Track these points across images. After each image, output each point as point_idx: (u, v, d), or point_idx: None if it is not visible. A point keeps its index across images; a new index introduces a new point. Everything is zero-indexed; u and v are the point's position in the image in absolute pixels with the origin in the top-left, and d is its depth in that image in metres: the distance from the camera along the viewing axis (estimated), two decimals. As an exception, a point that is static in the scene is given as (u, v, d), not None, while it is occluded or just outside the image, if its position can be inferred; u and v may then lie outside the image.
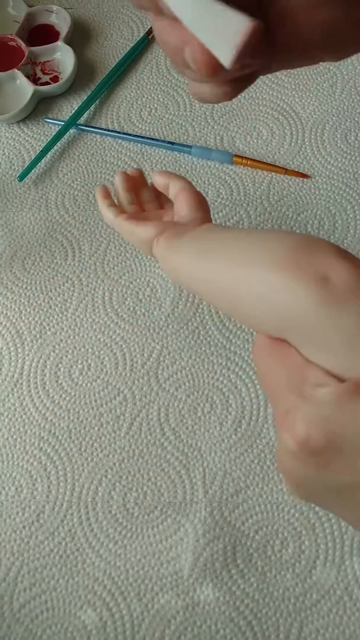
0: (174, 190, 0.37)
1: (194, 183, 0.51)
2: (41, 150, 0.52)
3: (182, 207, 0.36)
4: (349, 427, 0.25)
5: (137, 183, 0.40)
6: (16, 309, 0.47)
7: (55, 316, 0.47)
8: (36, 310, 0.47)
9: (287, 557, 0.39)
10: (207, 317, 0.46)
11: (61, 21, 0.58)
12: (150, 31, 0.58)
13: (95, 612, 0.39)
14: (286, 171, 0.51)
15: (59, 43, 0.56)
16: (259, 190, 0.51)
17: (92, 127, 0.54)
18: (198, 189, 0.37)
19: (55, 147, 0.53)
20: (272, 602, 0.38)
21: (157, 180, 0.39)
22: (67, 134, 0.54)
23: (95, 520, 0.41)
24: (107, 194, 0.40)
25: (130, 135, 0.53)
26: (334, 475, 0.27)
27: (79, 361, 0.45)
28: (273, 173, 0.51)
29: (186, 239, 0.33)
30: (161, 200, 0.40)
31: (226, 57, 0.21)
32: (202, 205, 0.36)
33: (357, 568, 0.39)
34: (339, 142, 0.52)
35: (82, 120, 0.55)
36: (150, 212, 0.39)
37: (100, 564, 0.40)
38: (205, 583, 0.39)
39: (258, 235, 0.28)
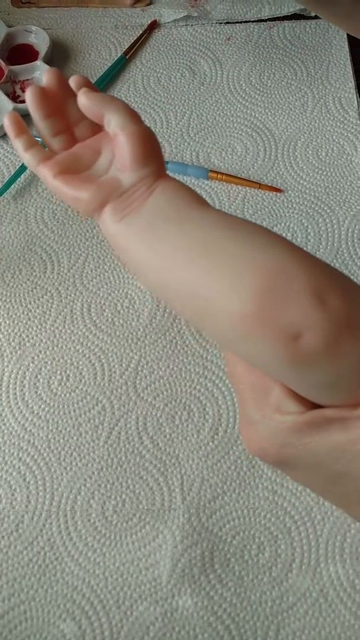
0: (110, 127, 0.28)
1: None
2: (20, 166, 0.53)
3: (124, 157, 0.27)
4: (302, 456, 0.25)
5: (58, 98, 0.29)
6: (-5, 321, 0.48)
7: (35, 328, 0.47)
8: (15, 322, 0.48)
9: (263, 562, 0.40)
10: (184, 327, 0.47)
11: (40, 41, 0.59)
12: (127, 51, 0.60)
13: (75, 621, 0.39)
14: (260, 186, 0.52)
15: (38, 62, 0.58)
16: (234, 204, 0.52)
17: (70, 143, 0.55)
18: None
19: (34, 163, 0.54)
20: (250, 606, 0.39)
21: (84, 105, 0.28)
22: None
23: (74, 529, 0.41)
24: (21, 128, 0.29)
25: (108, 151, 0.54)
26: (293, 478, 0.28)
27: (58, 372, 0.46)
28: (247, 188, 0.53)
29: (138, 224, 0.26)
30: None
31: None
32: (152, 153, 0.28)
33: (332, 571, 0.39)
34: (310, 157, 0.54)
35: (61, 136, 0.56)
36: (84, 148, 0.29)
37: (80, 572, 0.40)
38: (184, 589, 0.39)
39: (227, 243, 0.24)
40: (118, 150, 0.28)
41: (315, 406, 0.26)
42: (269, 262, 0.23)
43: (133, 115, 0.28)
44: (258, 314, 0.22)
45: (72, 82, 0.29)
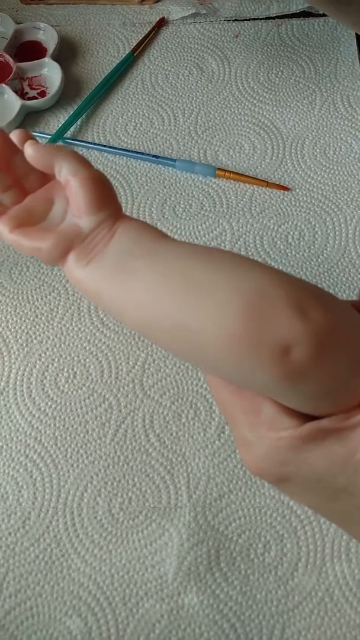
0: (61, 175, 0.28)
1: (178, 196, 0.53)
2: (28, 163, 0.53)
3: (79, 202, 0.27)
4: (301, 473, 0.25)
5: (4, 154, 0.29)
6: (2, 318, 0.48)
7: (42, 325, 0.48)
8: (22, 319, 0.48)
9: (269, 560, 0.40)
10: (191, 325, 0.47)
11: (48, 38, 0.59)
12: (135, 48, 0.59)
13: (81, 617, 0.39)
14: (267, 184, 0.52)
15: (46, 59, 0.58)
16: (241, 202, 0.52)
17: (78, 140, 0.55)
18: (106, 179, 0.28)
19: (42, 160, 0.54)
20: (255, 605, 0.39)
21: (32, 156, 0.28)
22: (54, 147, 0.55)
23: (80, 526, 0.41)
24: None
25: (115, 148, 0.54)
26: (295, 498, 0.28)
27: (65, 369, 0.46)
28: (255, 186, 0.53)
29: (106, 265, 0.26)
30: None
31: None
32: (107, 195, 0.28)
33: (338, 570, 0.40)
34: (318, 156, 0.54)
35: (68, 134, 0.56)
36: (36, 199, 0.29)
37: (86, 569, 0.40)
38: (190, 587, 0.39)
39: (200, 273, 0.24)
40: (72, 197, 0.28)
41: (307, 418, 0.25)
42: (248, 283, 0.23)
43: (83, 161, 0.28)
44: (246, 335, 0.22)
45: (14, 137, 0.29)
